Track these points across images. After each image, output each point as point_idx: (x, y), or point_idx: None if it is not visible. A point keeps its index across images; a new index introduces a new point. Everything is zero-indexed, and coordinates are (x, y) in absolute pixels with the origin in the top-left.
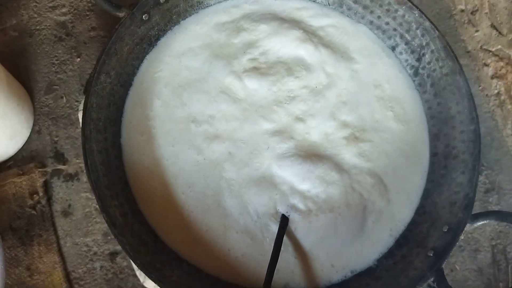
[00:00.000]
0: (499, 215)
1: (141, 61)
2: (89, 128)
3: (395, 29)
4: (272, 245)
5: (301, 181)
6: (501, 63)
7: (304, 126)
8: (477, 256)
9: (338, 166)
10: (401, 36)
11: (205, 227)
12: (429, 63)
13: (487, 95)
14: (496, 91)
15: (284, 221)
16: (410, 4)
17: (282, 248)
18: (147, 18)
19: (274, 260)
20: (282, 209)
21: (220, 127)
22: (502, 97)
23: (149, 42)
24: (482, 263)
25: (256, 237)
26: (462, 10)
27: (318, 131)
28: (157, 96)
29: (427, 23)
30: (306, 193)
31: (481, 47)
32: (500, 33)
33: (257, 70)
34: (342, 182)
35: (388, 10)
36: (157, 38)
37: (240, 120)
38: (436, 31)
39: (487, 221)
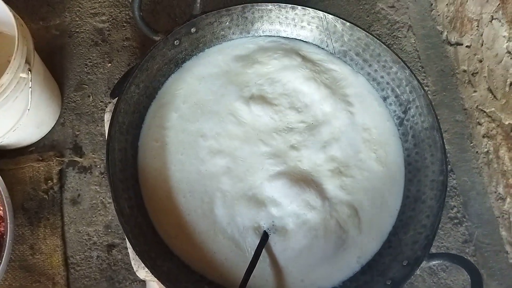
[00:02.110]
0: (451, 257)
1: (167, 79)
2: (115, 129)
3: (388, 83)
4: (252, 254)
5: (289, 203)
6: (493, 124)
7: (298, 154)
8: None
9: (322, 194)
10: (392, 90)
11: (198, 230)
12: (413, 116)
13: (477, 152)
14: (485, 150)
15: (264, 236)
16: (403, 64)
17: (260, 259)
18: (178, 43)
19: (251, 267)
20: (265, 226)
21: (224, 143)
22: (490, 156)
23: (176, 63)
24: None
25: (240, 245)
26: (464, 71)
27: (308, 160)
28: (175, 110)
29: (415, 82)
30: (290, 214)
31: (477, 106)
32: (495, 97)
33: (263, 99)
34: (323, 208)
35: (384, 66)
36: (183, 61)
37: (242, 140)
38: (422, 90)
39: (441, 261)
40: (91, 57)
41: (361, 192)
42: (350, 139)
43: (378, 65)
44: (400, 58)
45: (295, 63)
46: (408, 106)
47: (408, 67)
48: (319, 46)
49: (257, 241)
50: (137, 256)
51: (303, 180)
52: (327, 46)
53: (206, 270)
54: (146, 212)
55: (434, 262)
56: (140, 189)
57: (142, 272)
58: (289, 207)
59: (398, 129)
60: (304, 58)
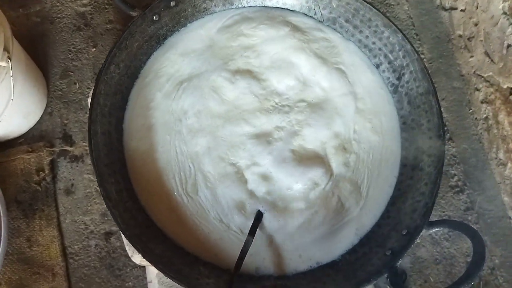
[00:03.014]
0: (451, 224)
1: (148, 57)
2: (96, 112)
3: (380, 49)
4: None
5: (294, 182)
6: (491, 89)
7: (301, 134)
8: (452, 270)
9: (329, 172)
10: (385, 56)
11: (188, 211)
12: (407, 82)
13: (476, 118)
14: (484, 115)
15: (258, 215)
16: (395, 27)
17: (256, 237)
18: (157, 18)
19: (246, 246)
20: (259, 206)
21: (205, 122)
22: (490, 122)
23: (157, 40)
24: (455, 278)
25: (230, 226)
26: (460, 36)
27: (314, 139)
28: (159, 89)
29: (409, 46)
30: (293, 192)
31: (474, 72)
32: (492, 60)
33: (250, 73)
34: (327, 186)
35: (375, 32)
36: (165, 38)
37: (223, 119)
38: (416, 54)
39: (441, 228)
40: (74, 43)
41: (362, 167)
42: (346, 112)
43: (369, 31)
44: (391, 21)
45: (282, 33)
46: (402, 72)
47: (401, 31)
48: (306, 15)
49: (244, 221)
50: None
51: (308, 159)
52: (315, 14)
53: (201, 251)
54: (135, 196)
55: (434, 230)
56: (127, 173)
57: (138, 257)
58: (296, 185)
59: (393, 97)
60: (293, 27)
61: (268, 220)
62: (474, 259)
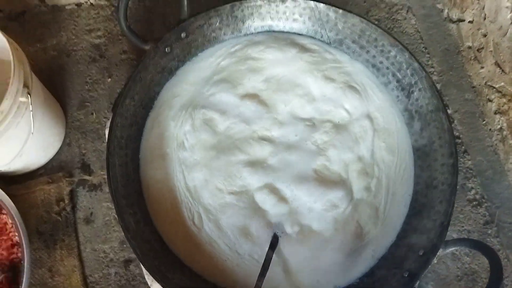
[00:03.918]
0: (467, 242)
1: (161, 88)
2: (113, 144)
3: (388, 68)
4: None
5: (313, 202)
6: (504, 100)
7: (326, 155)
8: (474, 286)
9: (349, 196)
10: (393, 74)
11: (204, 240)
12: (417, 100)
13: (490, 129)
14: (498, 126)
15: (274, 239)
16: (401, 46)
17: (272, 261)
18: (169, 50)
19: (264, 271)
20: (275, 228)
21: (199, 154)
22: (504, 133)
23: (170, 71)
24: None
25: (240, 253)
26: (469, 47)
27: (338, 160)
28: (172, 118)
29: (416, 64)
30: (311, 213)
31: (485, 83)
32: (503, 71)
33: (257, 98)
34: (347, 210)
35: (382, 51)
36: (177, 68)
37: (217, 150)
38: (423, 72)
39: (458, 247)
40: (90, 74)
41: (382, 191)
42: (369, 134)
43: (376, 50)
44: (397, 40)
45: (289, 55)
46: (411, 89)
47: (407, 49)
48: (314, 37)
49: (251, 247)
50: None
51: (330, 181)
52: (321, 36)
53: (219, 278)
54: (153, 226)
55: (451, 249)
56: (145, 203)
57: (157, 286)
58: (314, 205)
59: (403, 115)
60: (301, 49)
61: (283, 244)
62: (491, 278)
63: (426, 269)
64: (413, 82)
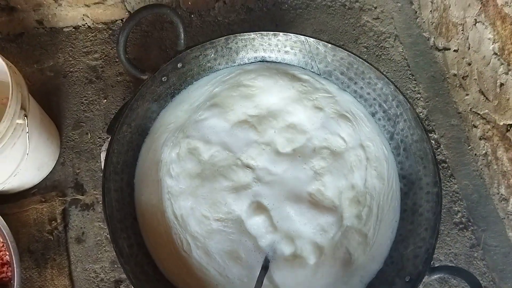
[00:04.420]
0: (451, 270)
1: (158, 114)
2: (109, 170)
3: (374, 99)
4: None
5: (303, 224)
6: (488, 126)
7: (322, 180)
8: None
9: (339, 222)
10: (380, 105)
11: (195, 266)
12: (402, 130)
13: (475, 154)
14: (484, 152)
15: (266, 261)
16: (387, 80)
17: (265, 284)
18: (165, 80)
19: None
20: (267, 250)
21: (184, 183)
22: (489, 158)
23: (165, 98)
24: None
25: (229, 277)
26: (455, 75)
27: (333, 187)
28: (166, 144)
29: (401, 97)
30: (301, 237)
31: (470, 109)
32: (487, 98)
33: (247, 123)
34: (336, 236)
35: (369, 83)
36: (173, 96)
37: (201, 178)
38: (408, 104)
39: (442, 274)
40: (86, 95)
41: (372, 218)
42: (362, 163)
43: (363, 82)
44: (383, 74)
45: (281, 83)
46: (397, 120)
47: (393, 82)
48: (304, 68)
49: (241, 270)
50: None
51: (323, 206)
52: (312, 68)
53: None
54: (146, 250)
55: (435, 276)
56: (138, 226)
57: None
58: (304, 227)
59: (390, 143)
60: (293, 77)
61: (273, 269)
62: None
63: None
64: (398, 113)
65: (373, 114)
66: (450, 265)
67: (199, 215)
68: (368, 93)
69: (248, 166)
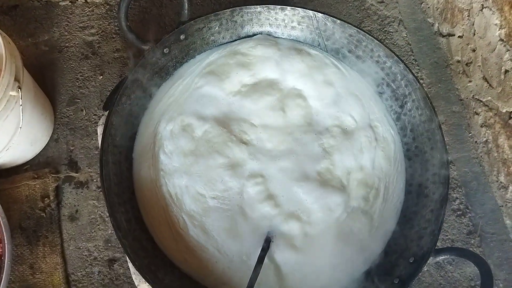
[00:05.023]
0: (457, 251)
1: (158, 87)
2: (107, 142)
3: (383, 78)
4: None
5: (311, 202)
6: (490, 113)
7: (330, 159)
8: None
9: (347, 203)
10: (388, 85)
11: (193, 242)
12: (410, 110)
13: (476, 142)
14: (484, 139)
15: (267, 242)
16: (396, 58)
17: (265, 265)
18: (167, 51)
19: (255, 275)
20: (268, 228)
21: (178, 161)
22: (490, 145)
23: (167, 71)
24: None
25: (228, 255)
26: (458, 61)
27: (342, 166)
28: (163, 117)
29: (411, 76)
30: (306, 215)
31: (473, 96)
32: (490, 85)
33: (242, 93)
34: (342, 216)
35: (377, 61)
36: (174, 68)
37: (195, 155)
38: (418, 83)
39: (448, 256)
40: (82, 71)
41: (379, 200)
42: (372, 144)
43: (371, 61)
44: (393, 52)
45: (280, 54)
46: (405, 100)
47: (402, 61)
48: (311, 45)
49: (240, 247)
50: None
51: (331, 186)
52: (319, 45)
53: (209, 280)
54: (143, 225)
55: (441, 258)
56: (136, 202)
57: (144, 286)
58: (312, 206)
59: (396, 124)
60: (300, 52)
61: (275, 247)
62: (482, 287)
63: (417, 276)
64: (407, 93)
65: (380, 94)
66: (456, 246)
67: (194, 193)
68: (376, 72)
69: (244, 142)
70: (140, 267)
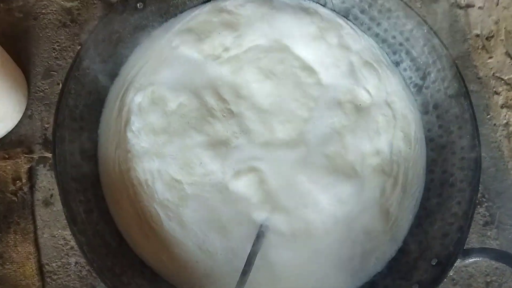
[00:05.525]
0: (494, 254)
1: (131, 50)
2: (63, 114)
3: (401, 44)
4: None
5: (318, 193)
6: None
7: (343, 141)
8: None
9: (360, 194)
10: (407, 52)
11: (169, 236)
12: (433, 82)
13: (495, 124)
14: (504, 121)
15: (262, 230)
16: (419, 19)
17: (256, 265)
18: (141, 6)
19: (243, 277)
20: (259, 219)
21: (148, 141)
22: (511, 128)
23: (142, 32)
24: None
25: (211, 251)
26: (477, 35)
27: (355, 149)
28: (133, 85)
29: (436, 40)
30: (308, 208)
31: (493, 74)
32: None
33: (223, 58)
34: (354, 210)
35: (395, 24)
36: (152, 29)
37: (168, 134)
38: (445, 49)
39: (480, 258)
40: (59, 40)
41: (397, 191)
42: (390, 123)
43: (388, 23)
44: (416, 12)
45: (300, 16)
46: (428, 70)
47: (426, 23)
48: (317, 2)
49: (226, 242)
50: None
51: (343, 173)
52: (325, 3)
53: (188, 284)
54: (110, 218)
55: (471, 260)
56: (101, 189)
57: None
58: (320, 195)
59: (416, 99)
60: (308, 11)
61: (268, 243)
62: None
63: (441, 282)
64: (430, 62)
65: (397, 64)
66: (490, 247)
67: (168, 179)
68: (394, 37)
69: (227, 116)
70: (100, 269)
